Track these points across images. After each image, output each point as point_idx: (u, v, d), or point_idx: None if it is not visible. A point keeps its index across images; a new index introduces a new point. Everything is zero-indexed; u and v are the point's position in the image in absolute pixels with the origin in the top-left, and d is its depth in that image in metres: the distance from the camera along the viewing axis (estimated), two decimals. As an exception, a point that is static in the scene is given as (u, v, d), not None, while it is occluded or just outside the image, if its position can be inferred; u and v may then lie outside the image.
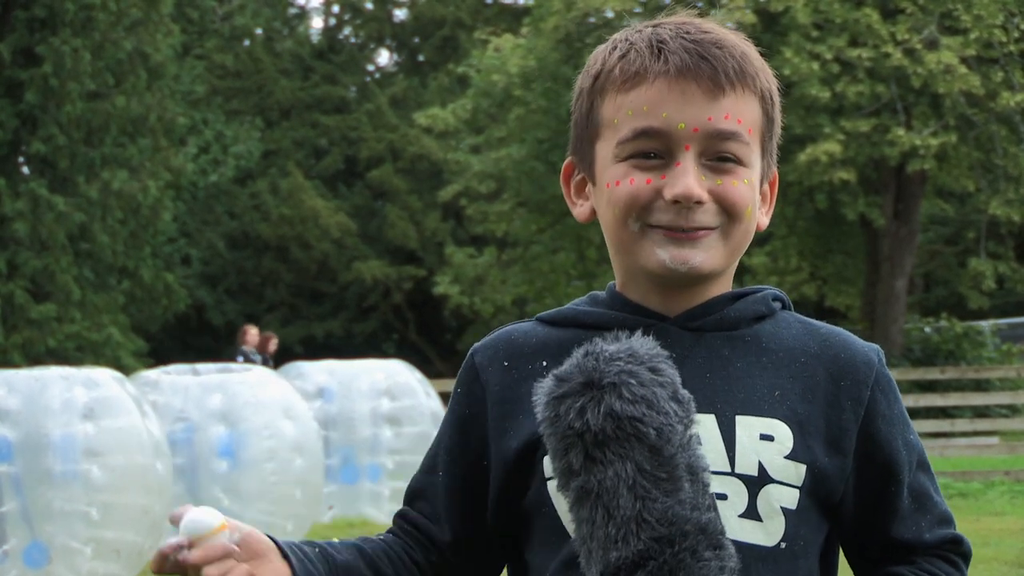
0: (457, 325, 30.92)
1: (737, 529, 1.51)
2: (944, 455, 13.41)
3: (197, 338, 30.59)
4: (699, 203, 1.54)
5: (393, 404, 10.74)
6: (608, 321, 1.60)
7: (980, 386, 17.05)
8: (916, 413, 15.53)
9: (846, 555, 1.65)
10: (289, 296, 31.37)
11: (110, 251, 22.10)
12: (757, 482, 1.52)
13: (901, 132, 17.47)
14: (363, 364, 11.40)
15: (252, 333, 17.72)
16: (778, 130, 1.64)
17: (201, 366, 9.85)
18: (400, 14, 34.70)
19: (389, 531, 1.69)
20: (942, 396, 13.93)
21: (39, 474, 7.29)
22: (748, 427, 1.54)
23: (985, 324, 21.00)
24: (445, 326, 31.87)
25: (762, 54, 1.65)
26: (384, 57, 36.57)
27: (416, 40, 34.55)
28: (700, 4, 20.52)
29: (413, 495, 1.69)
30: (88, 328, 21.54)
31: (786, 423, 1.54)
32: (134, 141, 22.68)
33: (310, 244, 30.21)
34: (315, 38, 34.81)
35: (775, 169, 1.66)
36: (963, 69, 17.18)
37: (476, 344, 1.69)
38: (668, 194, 1.54)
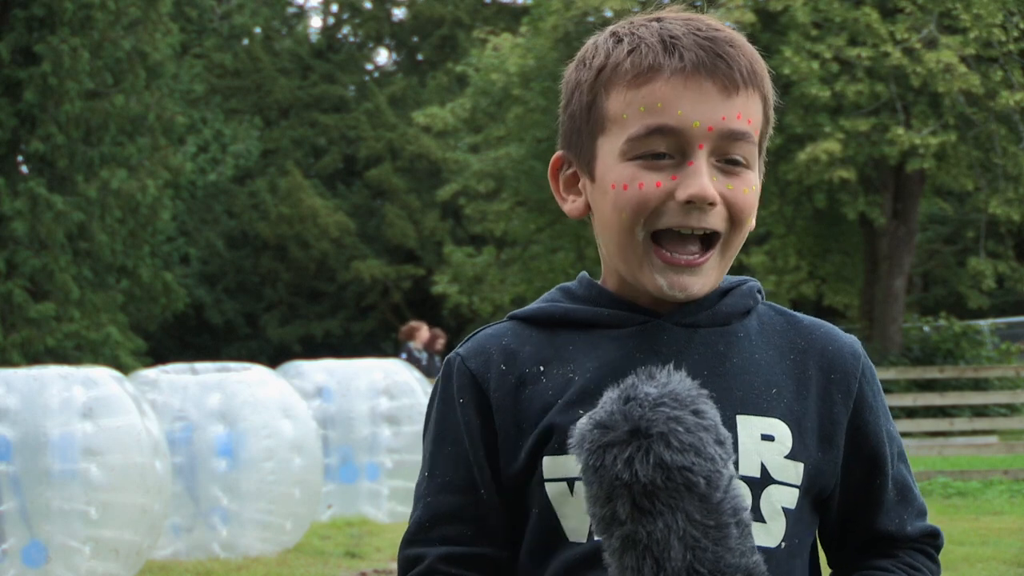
0: (456, 324, 30.92)
1: None
2: (943, 454, 13.41)
3: (196, 337, 30.59)
4: (712, 205, 1.51)
5: (392, 403, 10.73)
6: (602, 319, 1.57)
7: (979, 385, 17.04)
8: (915, 412, 15.53)
9: (823, 546, 1.64)
10: (288, 295, 31.37)
11: (109, 250, 22.09)
12: (760, 483, 1.51)
13: (900, 131, 17.47)
14: (362, 363, 11.39)
15: (423, 331, 16.72)
16: (771, 126, 1.62)
17: (200, 365, 9.83)
18: (399, 13, 34.70)
19: None
20: (941, 395, 13.92)
21: (38, 473, 7.28)
22: (749, 427, 1.52)
23: (984, 323, 21.00)
24: (444, 325, 31.84)
25: (761, 53, 1.65)
26: (383, 56, 36.58)
27: (415, 39, 34.55)
28: (699, 3, 20.58)
29: (435, 519, 1.57)
30: (87, 327, 21.53)
31: (784, 422, 1.53)
32: (133, 140, 22.68)
33: (309, 243, 30.21)
34: (314, 37, 34.80)
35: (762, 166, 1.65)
36: (962, 68, 17.18)
37: (459, 350, 1.62)
38: (682, 194, 1.50)
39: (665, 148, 1.51)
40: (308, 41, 34.43)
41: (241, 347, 30.43)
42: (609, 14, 19.34)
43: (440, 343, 17.21)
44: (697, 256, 1.53)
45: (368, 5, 34.38)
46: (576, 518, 1.51)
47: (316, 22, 42.66)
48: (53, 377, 7.60)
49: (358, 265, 30.03)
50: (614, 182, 1.53)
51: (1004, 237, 24.06)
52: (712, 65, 1.51)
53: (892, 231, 19.43)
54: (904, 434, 13.95)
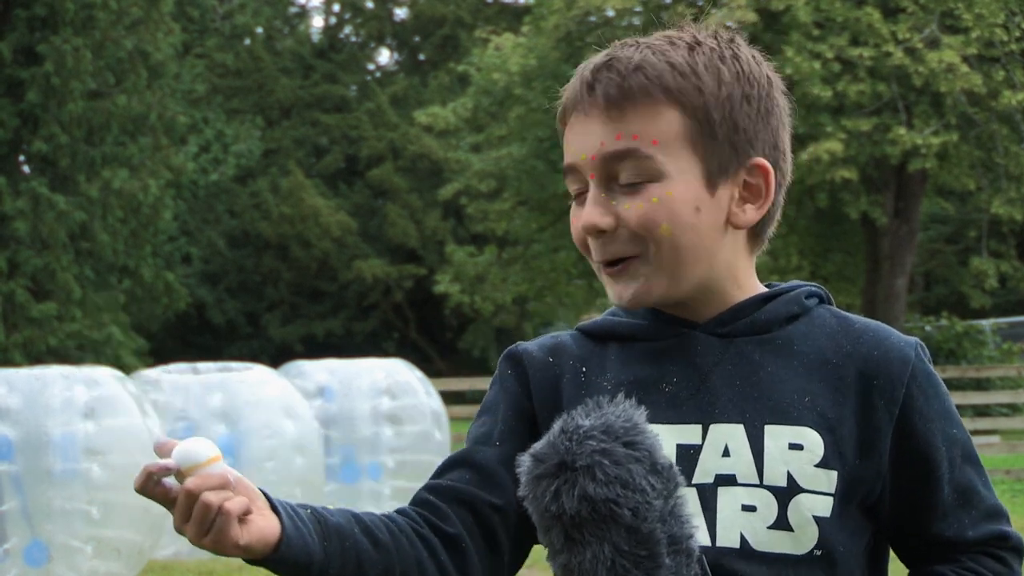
0: (457, 324, 30.94)
1: (766, 541, 1.50)
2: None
3: (198, 337, 30.60)
4: (602, 232, 1.54)
5: (394, 403, 10.73)
6: (641, 331, 1.59)
7: (980, 385, 17.04)
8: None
9: (896, 553, 1.63)
10: (289, 295, 31.38)
11: (111, 250, 22.10)
12: (787, 493, 1.51)
13: (902, 131, 17.47)
14: (364, 363, 11.38)
15: None
16: (734, 123, 1.58)
17: (202, 365, 9.84)
18: (400, 13, 34.70)
19: (399, 510, 1.61)
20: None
21: (39, 473, 7.28)
22: (777, 436, 1.52)
23: (986, 323, 20.99)
24: (446, 325, 31.89)
25: (763, 53, 1.64)
26: (384, 56, 36.59)
27: (416, 39, 34.55)
28: (700, 3, 20.54)
29: (451, 464, 1.60)
30: (89, 327, 21.54)
31: (816, 430, 1.52)
32: (135, 140, 22.69)
33: (310, 243, 30.22)
34: (315, 37, 34.81)
35: (756, 159, 1.62)
36: (964, 68, 17.18)
37: (520, 342, 1.68)
38: (575, 230, 1.57)
39: (577, 186, 1.57)
40: (310, 41, 34.44)
41: (243, 347, 30.43)
42: (611, 13, 19.35)
43: None
44: (612, 268, 1.57)
45: (370, 5, 34.38)
46: None
47: (318, 22, 42.67)
48: (55, 377, 7.60)
49: (360, 265, 30.04)
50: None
51: (1006, 237, 24.07)
52: (583, 95, 1.55)
53: (894, 231, 19.43)
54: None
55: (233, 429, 8.89)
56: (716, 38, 1.60)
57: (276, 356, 25.04)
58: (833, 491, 1.52)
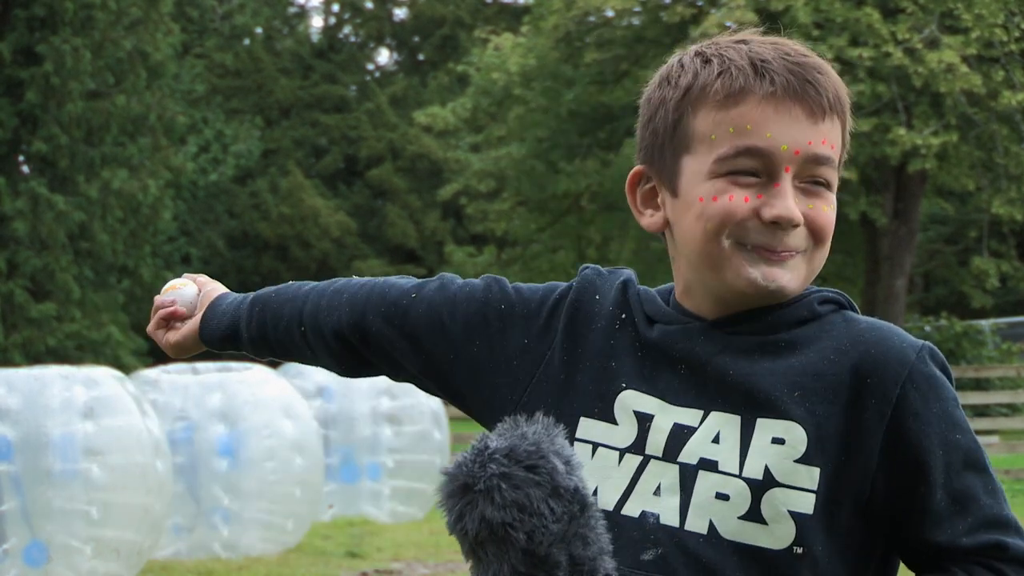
0: (457, 324, 30.91)
1: (736, 531, 1.51)
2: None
3: (197, 337, 30.59)
4: (795, 226, 1.57)
5: (393, 403, 10.74)
6: (659, 316, 1.64)
7: (980, 385, 17.04)
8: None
9: (903, 560, 1.62)
10: (289, 295, 31.37)
11: (110, 250, 22.10)
12: (761, 486, 1.51)
13: (902, 131, 17.47)
14: (363, 363, 11.37)
15: None
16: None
17: (201, 365, 9.83)
18: (400, 13, 34.71)
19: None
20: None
21: (39, 473, 7.28)
22: (765, 430, 1.53)
23: (985, 323, 20.99)
24: (445, 325, 31.89)
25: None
26: (384, 56, 36.60)
27: (416, 39, 34.56)
28: (700, 3, 20.56)
29: (381, 288, 1.80)
30: (88, 327, 21.54)
31: (802, 425, 1.52)
32: (134, 140, 22.69)
33: (310, 243, 30.22)
34: (315, 37, 34.81)
35: None
36: (964, 68, 17.18)
37: (581, 277, 1.73)
38: (767, 215, 1.55)
39: (753, 168, 1.56)
40: (309, 41, 34.44)
41: (242, 347, 30.42)
42: (610, 14, 19.35)
43: None
44: (788, 253, 1.59)
45: (369, 5, 34.38)
46: (592, 481, 1.56)
47: (317, 22, 42.68)
48: (54, 377, 7.60)
49: (359, 265, 30.04)
50: (702, 195, 1.58)
51: (1006, 237, 24.08)
52: (801, 91, 1.57)
53: (893, 231, 19.43)
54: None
55: (232, 429, 8.89)
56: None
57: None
58: (815, 488, 1.51)
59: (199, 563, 8.50)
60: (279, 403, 9.18)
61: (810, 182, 1.58)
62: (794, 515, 1.51)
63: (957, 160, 18.41)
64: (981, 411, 16.57)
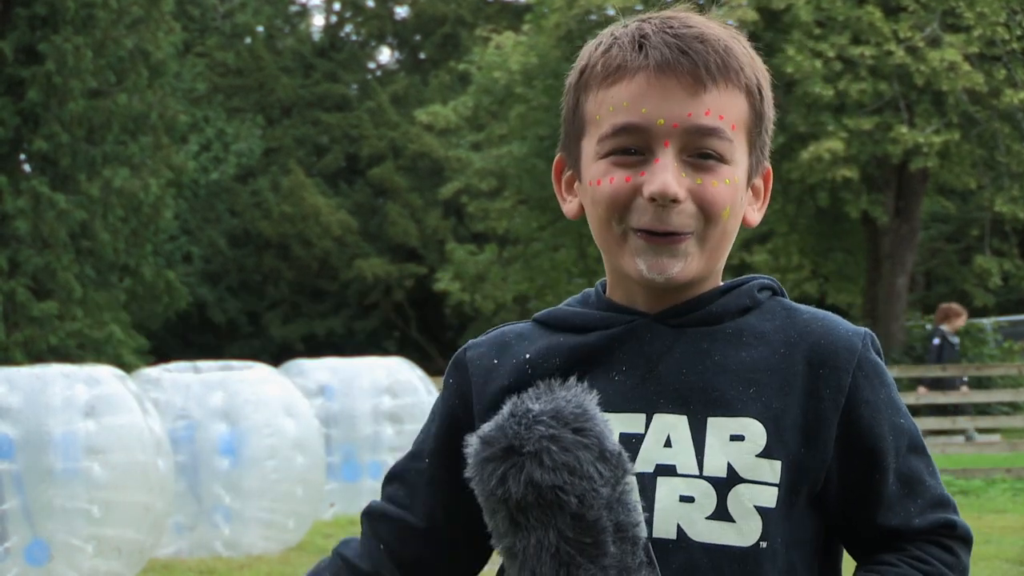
0: (458, 322, 30.93)
1: (705, 532, 1.50)
2: (945, 452, 13.41)
3: (198, 336, 30.61)
4: (675, 202, 1.51)
5: (394, 402, 10.74)
6: (593, 322, 1.59)
7: (982, 384, 17.03)
8: (917, 411, 15.52)
9: (846, 548, 1.63)
10: (290, 294, 31.38)
11: (111, 249, 22.10)
12: (726, 483, 1.50)
13: (904, 130, 17.46)
14: (364, 362, 11.39)
15: (963, 317, 15.46)
16: (769, 125, 1.60)
17: (202, 364, 9.83)
18: (401, 11, 34.69)
19: (363, 534, 1.69)
20: (944, 394, 13.91)
21: (40, 472, 7.28)
22: (719, 428, 1.51)
23: (987, 322, 20.99)
24: (446, 323, 31.88)
25: (764, 52, 1.64)
26: (385, 55, 36.59)
27: (417, 38, 34.55)
28: (702, 1, 20.54)
29: (392, 477, 1.68)
30: (89, 326, 21.54)
31: (759, 420, 1.51)
32: (135, 139, 22.68)
33: (311, 242, 30.21)
34: (316, 36, 34.81)
35: (767, 164, 1.63)
36: (966, 66, 17.17)
37: (471, 341, 1.68)
38: (646, 191, 1.51)
39: (632, 145, 1.53)
40: (310, 39, 34.43)
41: (244, 346, 30.44)
42: (611, 12, 19.33)
43: (960, 321, 15.83)
44: (668, 239, 1.53)
45: (370, 3, 34.38)
46: None
47: (318, 20, 42.69)
48: (56, 375, 7.60)
49: (360, 263, 30.04)
50: (591, 179, 1.57)
51: (1008, 235, 24.07)
52: (676, 62, 1.51)
53: (895, 229, 19.42)
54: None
55: (234, 428, 8.89)
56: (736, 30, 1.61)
57: (277, 355, 25.04)
58: (778, 481, 1.51)
59: (200, 562, 8.51)
60: (280, 402, 9.18)
61: (698, 156, 1.52)
62: (760, 510, 1.50)
63: (959, 158, 18.40)
64: (983, 410, 16.56)
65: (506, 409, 1.43)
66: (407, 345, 30.64)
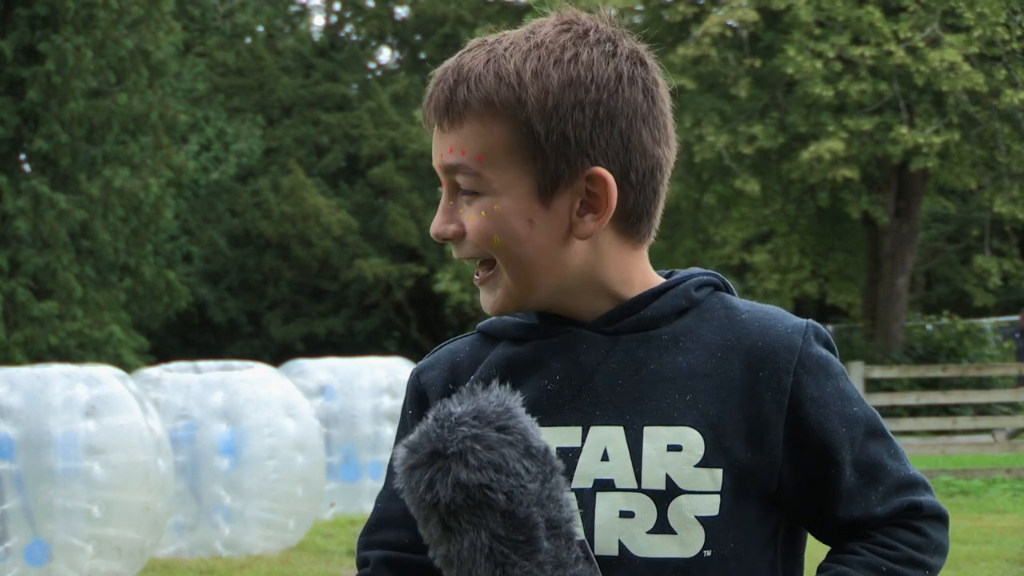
0: (458, 322, 30.93)
1: (646, 546, 1.48)
2: (946, 453, 13.42)
3: (199, 335, 30.61)
4: (448, 239, 1.56)
5: (395, 402, 10.74)
6: (530, 332, 1.58)
7: (982, 384, 17.05)
8: (918, 411, 15.53)
9: (815, 537, 1.61)
10: (290, 294, 31.39)
11: (111, 249, 22.11)
12: (665, 496, 1.48)
13: (904, 130, 17.47)
14: (365, 361, 11.40)
15: None
16: (563, 134, 1.52)
17: (203, 364, 9.84)
18: (401, 12, 34.69)
19: None
20: (944, 394, 13.90)
21: (41, 471, 7.29)
22: (655, 439, 1.50)
23: (987, 322, 21.01)
24: (446, 323, 31.88)
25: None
26: (385, 55, 36.60)
27: (417, 38, 34.55)
28: (702, 1, 20.49)
29: (381, 523, 1.62)
30: (90, 326, 21.55)
31: (697, 429, 1.49)
32: (135, 139, 22.70)
33: (311, 242, 30.22)
34: (316, 36, 34.81)
35: (593, 168, 1.52)
36: (966, 67, 17.18)
37: (419, 364, 1.67)
38: None
39: (442, 186, 1.60)
40: (311, 39, 34.44)
41: (244, 345, 30.45)
42: (612, 12, 19.32)
43: None
44: (479, 277, 1.58)
45: (371, 3, 34.38)
46: None
47: (319, 20, 42.71)
48: (56, 375, 7.60)
49: (361, 263, 30.04)
50: None
51: (1008, 235, 24.07)
52: (431, 105, 1.56)
53: (895, 229, 19.43)
54: (907, 433, 13.95)
55: (234, 428, 8.89)
56: (570, 30, 1.56)
57: (277, 355, 25.05)
58: (719, 489, 1.49)
59: (201, 561, 8.51)
60: (281, 402, 9.19)
61: (461, 192, 1.55)
62: (702, 519, 1.49)
63: (959, 159, 18.41)
64: (983, 410, 16.57)
65: (430, 415, 1.42)
66: (407, 345, 30.65)
